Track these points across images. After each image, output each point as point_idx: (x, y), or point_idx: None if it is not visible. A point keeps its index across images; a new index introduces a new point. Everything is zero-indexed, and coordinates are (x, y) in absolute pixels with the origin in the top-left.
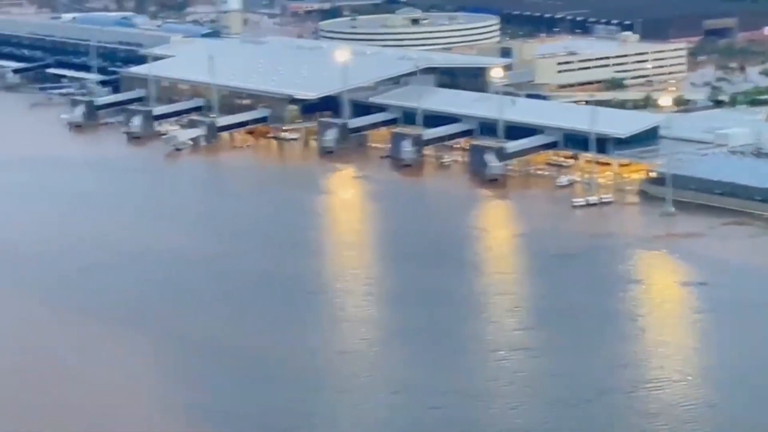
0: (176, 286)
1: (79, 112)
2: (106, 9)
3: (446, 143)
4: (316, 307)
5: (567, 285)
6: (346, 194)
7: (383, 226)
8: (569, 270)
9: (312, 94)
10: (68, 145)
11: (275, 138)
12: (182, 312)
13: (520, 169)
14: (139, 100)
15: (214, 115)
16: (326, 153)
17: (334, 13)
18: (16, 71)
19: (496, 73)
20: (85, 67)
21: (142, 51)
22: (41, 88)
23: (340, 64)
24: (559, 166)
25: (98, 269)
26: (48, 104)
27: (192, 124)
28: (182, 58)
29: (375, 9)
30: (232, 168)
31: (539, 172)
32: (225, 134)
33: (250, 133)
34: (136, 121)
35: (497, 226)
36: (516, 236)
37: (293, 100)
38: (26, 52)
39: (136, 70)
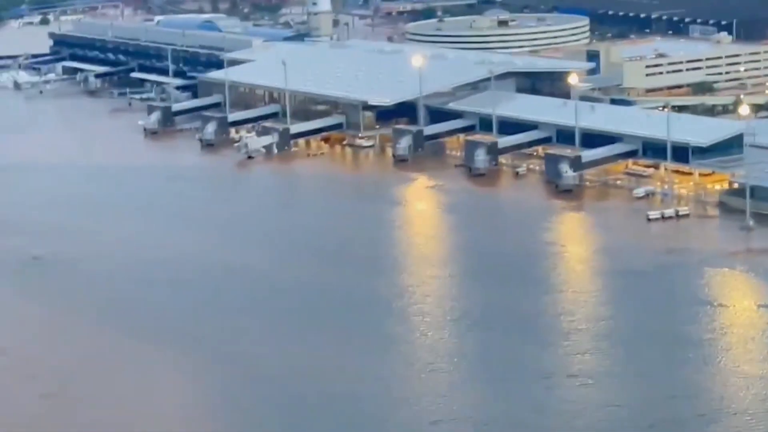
0: (254, 305)
1: (154, 118)
2: (200, 11)
3: (523, 151)
4: (384, 329)
5: (635, 306)
6: (418, 206)
7: (454, 241)
8: (638, 289)
9: (387, 100)
10: (141, 153)
11: (350, 145)
12: (265, 337)
13: (598, 178)
14: (216, 105)
15: (288, 122)
16: (400, 161)
17: (426, 14)
18: (98, 75)
19: (574, 79)
20: (171, 72)
21: (223, 55)
22: (120, 93)
23: (415, 69)
24: (638, 176)
25: (171, 286)
26: (127, 110)
27: (265, 132)
28: (261, 63)
29: (468, 10)
30: (303, 177)
31: (617, 182)
32: (300, 141)
33: (326, 140)
34: (210, 128)
35: (568, 241)
36: (586, 252)
37: (368, 107)
38: (111, 56)
39: (212, 75)
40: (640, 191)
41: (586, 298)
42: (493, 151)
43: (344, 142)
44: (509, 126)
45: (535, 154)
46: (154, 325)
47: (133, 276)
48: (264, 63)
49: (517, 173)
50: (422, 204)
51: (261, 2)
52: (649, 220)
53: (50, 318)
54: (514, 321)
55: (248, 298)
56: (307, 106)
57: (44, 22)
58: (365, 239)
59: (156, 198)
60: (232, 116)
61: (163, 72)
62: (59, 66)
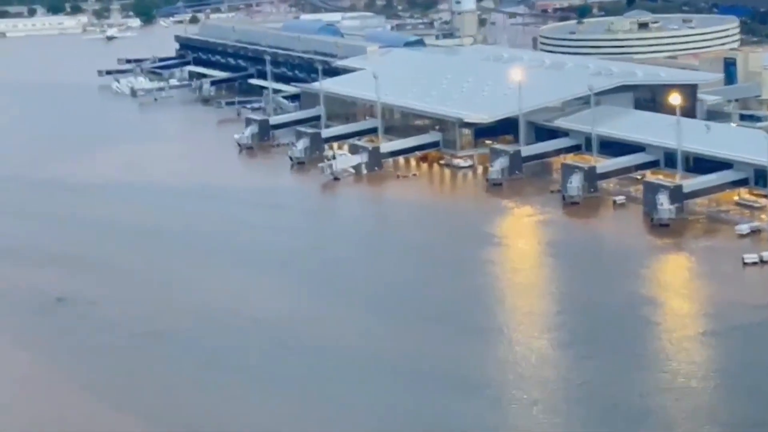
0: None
1: (249, 132)
2: (352, 8)
3: (631, 175)
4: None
5: (710, 380)
6: (508, 244)
7: (544, 292)
8: (713, 357)
9: (485, 117)
10: (227, 172)
11: (447, 165)
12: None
13: (705, 209)
14: (318, 119)
15: (379, 140)
16: (494, 185)
17: (582, 11)
18: (215, 82)
19: (675, 99)
20: (286, 79)
21: (335, 62)
22: (228, 103)
23: (517, 81)
24: (750, 207)
25: (216, 363)
26: (236, 120)
27: (355, 150)
28: (369, 72)
29: (626, 7)
30: (389, 205)
31: (726, 214)
32: (397, 159)
33: (424, 158)
34: (300, 145)
35: (660, 292)
36: (678, 309)
37: (466, 123)
38: (231, 61)
39: (313, 85)
40: (743, 227)
41: (658, 366)
42: (591, 176)
43: (442, 162)
44: (616, 147)
45: (640, 179)
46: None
47: (173, 342)
48: (372, 72)
49: (615, 202)
50: (511, 241)
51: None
52: (744, 264)
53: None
54: (589, 398)
55: (316, 374)
56: (405, 122)
57: (194, 20)
58: (454, 290)
59: (224, 228)
60: (327, 131)
61: (281, 79)
62: (180, 71)
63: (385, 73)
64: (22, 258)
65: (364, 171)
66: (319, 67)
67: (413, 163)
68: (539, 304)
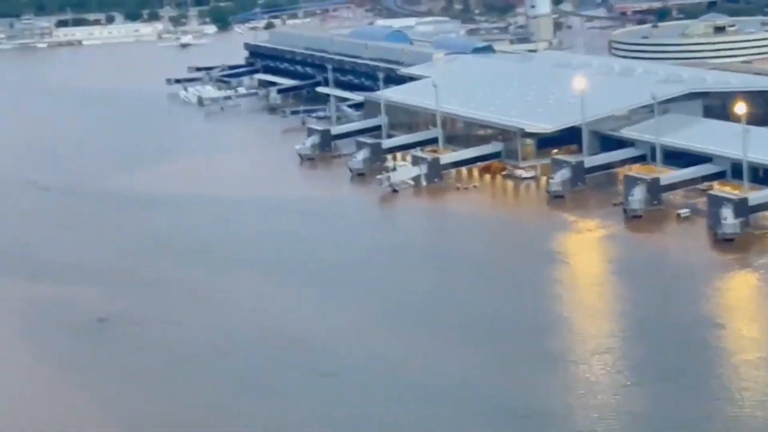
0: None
1: (310, 142)
2: (429, 12)
3: (699, 187)
4: None
5: None
6: (568, 261)
7: (599, 311)
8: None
9: (547, 126)
10: (286, 183)
11: (509, 176)
12: None
13: None
14: (380, 128)
15: (439, 150)
16: (555, 197)
17: (662, 14)
18: (281, 90)
19: (741, 107)
20: (353, 87)
21: (401, 70)
22: (293, 112)
23: (580, 89)
24: None
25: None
26: (300, 129)
27: (415, 161)
28: (433, 80)
29: (707, 10)
30: (448, 218)
31: None
32: (455, 171)
33: (487, 169)
34: (360, 156)
35: (727, 316)
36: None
37: (529, 133)
38: (300, 68)
39: (374, 93)
40: None
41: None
42: (654, 188)
43: (504, 173)
44: (682, 157)
45: (706, 191)
46: None
47: (213, 366)
48: (437, 79)
49: (679, 215)
50: (571, 258)
51: (496, 2)
52: None
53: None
54: None
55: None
56: (468, 131)
57: (269, 27)
58: (513, 310)
59: (279, 241)
60: (388, 142)
61: (348, 87)
62: (249, 79)
63: (449, 80)
64: (70, 274)
65: (424, 183)
66: (380, 75)
67: (475, 173)
68: (600, 325)
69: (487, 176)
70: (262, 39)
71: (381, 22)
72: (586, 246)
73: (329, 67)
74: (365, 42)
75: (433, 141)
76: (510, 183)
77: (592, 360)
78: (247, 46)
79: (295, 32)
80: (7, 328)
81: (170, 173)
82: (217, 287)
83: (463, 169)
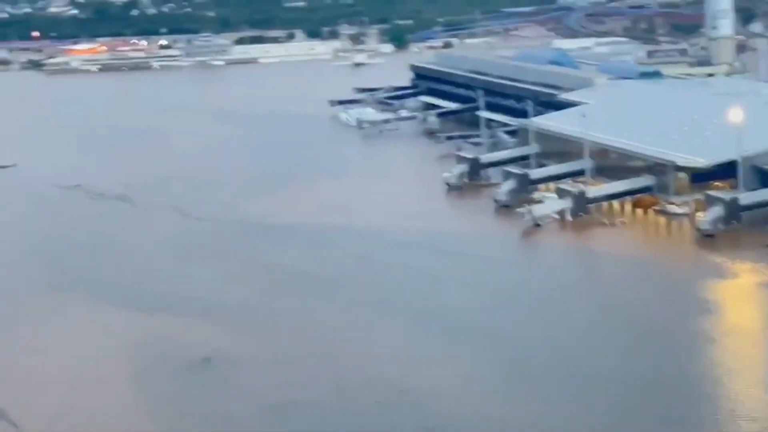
0: None
1: (458, 171)
2: (610, 33)
3: None
4: None
5: None
6: (709, 308)
7: (754, 377)
8: None
9: (701, 159)
10: (428, 215)
11: (660, 212)
12: None
13: None
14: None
15: (585, 183)
16: (706, 236)
17: None
18: (441, 114)
19: None
20: (513, 112)
21: (560, 96)
22: (449, 137)
23: (737, 120)
24: None
25: None
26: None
27: (560, 193)
28: (591, 107)
29: None
30: (592, 258)
31: None
32: (602, 205)
33: (638, 204)
34: (505, 187)
35: None
36: None
37: (682, 167)
38: (462, 91)
39: (525, 120)
40: None
41: None
42: None
43: (656, 208)
44: None
45: None
46: None
47: (309, 417)
48: (595, 106)
49: None
50: (719, 308)
51: (683, 22)
52: None
53: None
54: None
55: None
56: (621, 163)
57: (447, 46)
58: (659, 373)
59: (408, 279)
60: (535, 172)
61: (508, 112)
62: (415, 101)
63: (608, 107)
64: (189, 306)
65: (569, 217)
66: (529, 102)
67: (625, 208)
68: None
69: (638, 211)
70: (429, 60)
71: (558, 42)
72: (738, 294)
73: (480, 91)
74: (527, 65)
75: (584, 172)
76: (661, 219)
77: None
78: (412, 67)
79: (460, 53)
80: (109, 364)
81: (314, 199)
82: (334, 328)
83: (613, 203)
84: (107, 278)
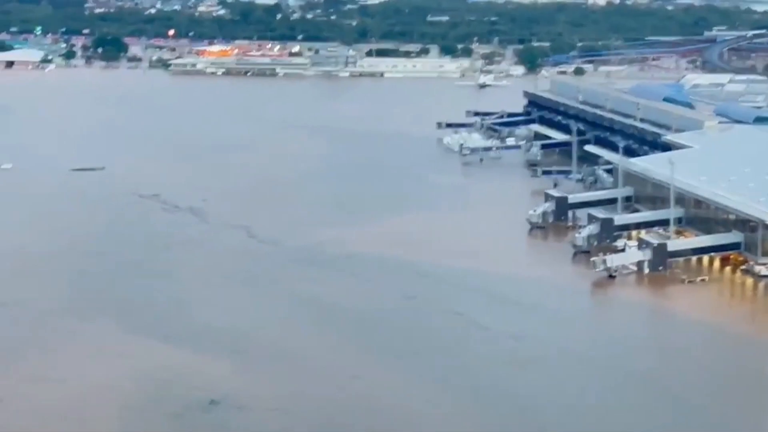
0: None
1: (542, 209)
2: (751, 69)
3: None
4: None
5: None
6: None
7: None
8: None
9: None
10: (500, 256)
11: (747, 272)
12: None
13: None
14: (627, 200)
15: (669, 234)
16: None
17: None
18: (546, 146)
19: None
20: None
21: (667, 136)
22: (545, 171)
23: None
24: None
25: None
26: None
27: (640, 244)
28: (695, 151)
29: None
30: (661, 319)
31: None
32: (685, 259)
33: (726, 261)
34: (585, 231)
35: None
36: None
37: None
38: (572, 123)
39: (614, 159)
40: None
41: None
42: None
43: (744, 267)
44: None
45: None
46: None
47: None
48: (698, 151)
49: None
50: None
51: None
52: None
53: None
54: None
55: None
56: (712, 215)
57: (578, 72)
58: None
59: (456, 328)
60: (620, 218)
61: (615, 149)
62: (525, 129)
63: (712, 153)
64: (212, 339)
65: (647, 270)
66: (620, 143)
67: (707, 263)
68: None
69: (726, 269)
70: (543, 87)
71: (691, 76)
72: None
73: (574, 126)
74: (639, 100)
75: (678, 221)
76: (746, 280)
77: None
78: (526, 94)
79: (574, 82)
80: (106, 400)
81: (385, 229)
82: (353, 378)
83: (697, 258)
84: (143, 301)
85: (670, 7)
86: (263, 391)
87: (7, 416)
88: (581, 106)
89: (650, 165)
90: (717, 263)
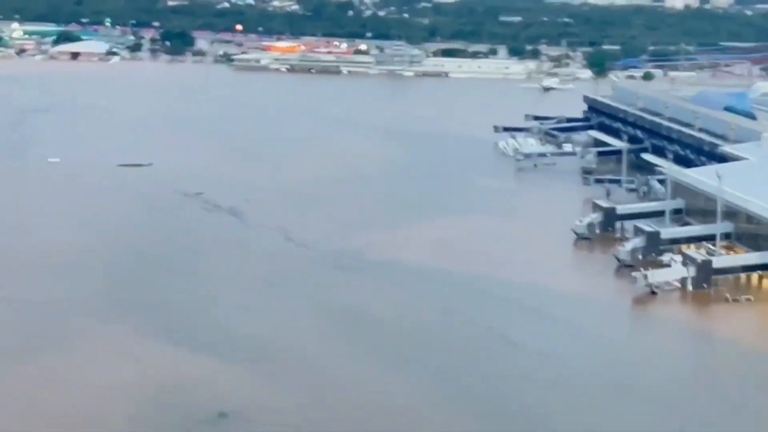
0: None
1: (588, 220)
2: None
3: None
4: None
5: None
6: None
7: None
8: None
9: None
10: (541, 268)
11: None
12: None
13: None
14: (677, 213)
15: (715, 250)
16: None
17: None
18: (602, 153)
19: None
20: (679, 160)
21: (722, 147)
22: (598, 180)
23: None
24: None
25: None
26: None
27: (684, 260)
28: (752, 164)
29: None
30: (700, 339)
31: None
32: (731, 277)
33: None
34: (629, 244)
35: None
36: None
37: None
38: (631, 130)
39: (668, 170)
40: None
41: None
42: None
43: None
44: None
45: None
46: None
47: None
48: (754, 163)
49: None
50: None
51: None
52: None
53: None
54: None
55: None
56: (763, 231)
57: (647, 77)
58: None
59: (478, 343)
60: (667, 231)
61: (675, 159)
62: (585, 135)
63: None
64: (231, 347)
65: (690, 287)
66: (669, 154)
67: (761, 283)
68: None
69: None
70: (604, 92)
71: (761, 84)
72: None
73: (625, 134)
74: (699, 108)
75: (725, 236)
76: None
77: None
78: (586, 99)
79: (634, 88)
80: (111, 409)
81: (427, 236)
82: (374, 394)
83: (744, 276)
84: (168, 304)
85: (749, 12)
86: (276, 404)
87: (7, 418)
88: (639, 113)
89: (702, 176)
90: (766, 282)
